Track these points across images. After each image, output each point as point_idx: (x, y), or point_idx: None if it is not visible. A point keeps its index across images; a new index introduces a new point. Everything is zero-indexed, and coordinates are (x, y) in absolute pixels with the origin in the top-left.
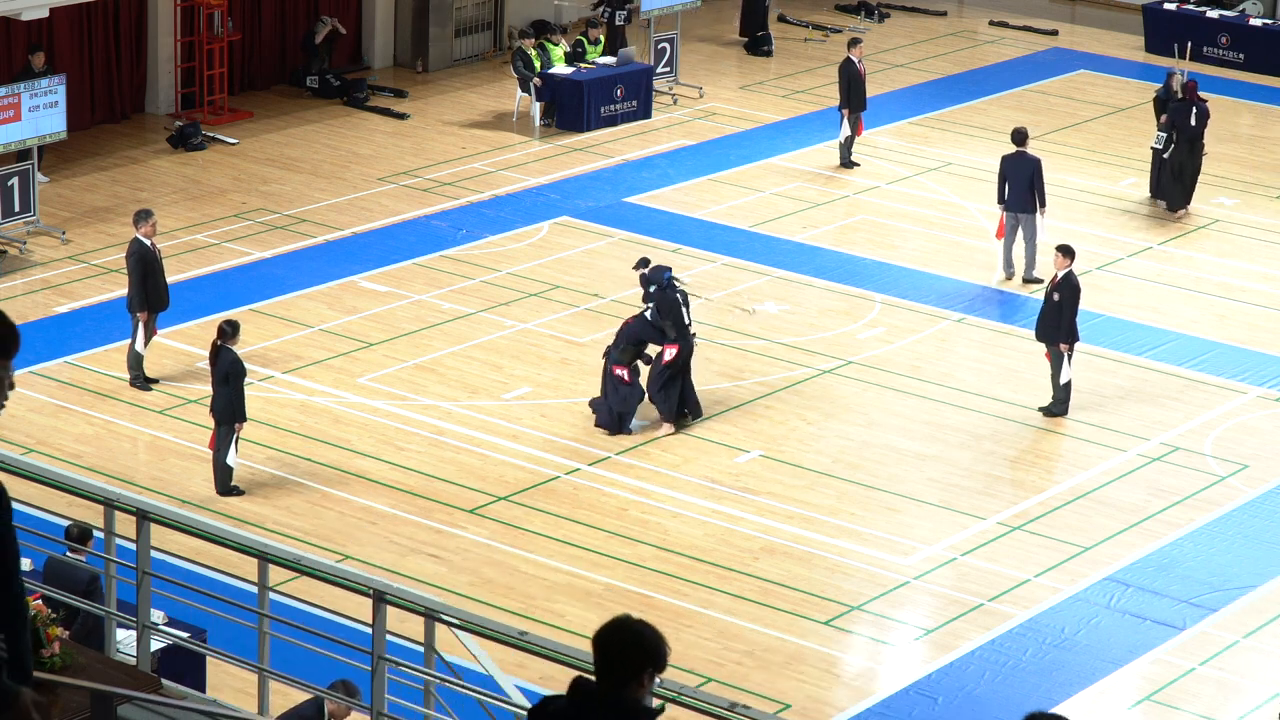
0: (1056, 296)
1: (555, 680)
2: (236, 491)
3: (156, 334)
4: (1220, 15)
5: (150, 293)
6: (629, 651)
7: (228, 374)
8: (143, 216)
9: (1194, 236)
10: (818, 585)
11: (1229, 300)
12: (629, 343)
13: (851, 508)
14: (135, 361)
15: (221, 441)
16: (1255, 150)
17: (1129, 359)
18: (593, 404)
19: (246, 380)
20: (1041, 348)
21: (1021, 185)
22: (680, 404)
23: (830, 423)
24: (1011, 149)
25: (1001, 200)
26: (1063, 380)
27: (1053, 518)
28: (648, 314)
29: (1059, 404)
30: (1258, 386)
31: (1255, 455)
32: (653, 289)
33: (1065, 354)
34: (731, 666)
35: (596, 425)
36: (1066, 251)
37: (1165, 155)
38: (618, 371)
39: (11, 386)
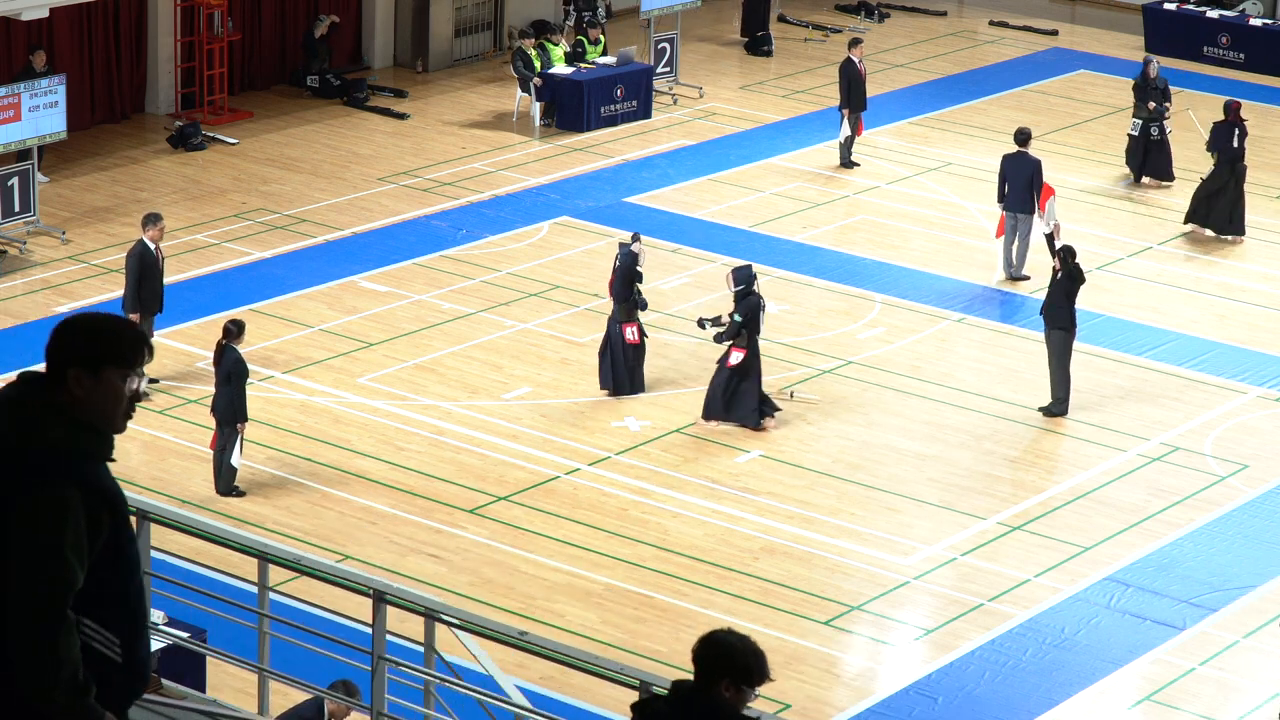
0: (1059, 268)
1: (555, 680)
2: (237, 492)
3: (153, 336)
4: (1220, 15)
5: (145, 295)
6: (709, 661)
7: (230, 373)
8: (151, 220)
9: (1194, 236)
10: (818, 585)
11: (1229, 300)
12: (623, 286)
13: (851, 508)
14: None
15: (225, 442)
16: (1255, 150)
17: (1129, 359)
18: (602, 383)
19: (248, 380)
20: (1041, 346)
21: (1020, 185)
22: (760, 404)
23: (830, 423)
24: (1014, 149)
25: (1001, 200)
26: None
27: (1053, 518)
28: (617, 259)
29: (1059, 404)
30: (1258, 386)
31: (1255, 455)
32: (739, 289)
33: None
34: None
35: (602, 388)
36: (1067, 252)
37: (1203, 178)
38: (626, 331)
39: (142, 397)
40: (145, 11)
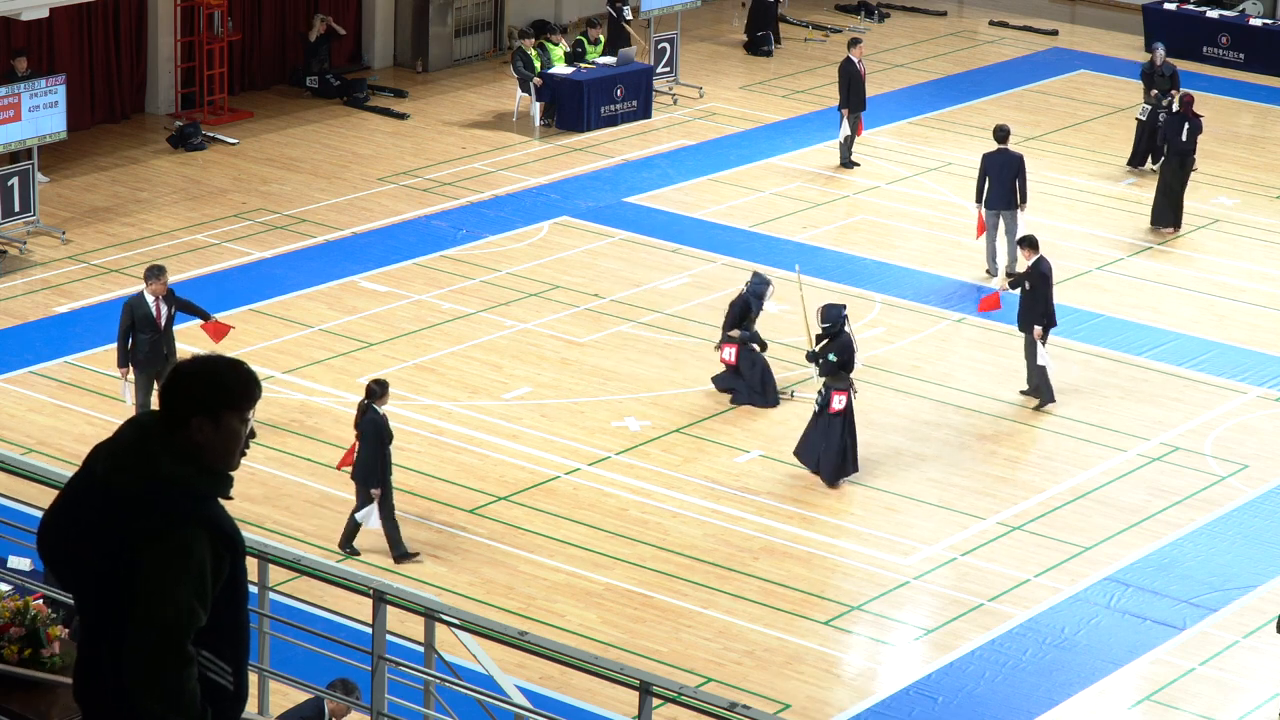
0: (1028, 285)
1: (555, 680)
2: (351, 551)
3: (154, 392)
4: (1220, 15)
5: (140, 349)
6: None
7: (366, 434)
8: (153, 274)
9: (1194, 236)
10: (818, 585)
11: (1229, 300)
12: (733, 314)
13: (851, 508)
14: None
15: (360, 502)
16: (1255, 150)
17: (1129, 359)
18: (715, 380)
19: (389, 444)
20: (1019, 341)
21: (1004, 182)
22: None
23: None
24: (993, 146)
25: (980, 198)
26: (1039, 361)
27: (1053, 518)
28: (745, 286)
29: (1035, 391)
30: (1258, 386)
31: (1255, 455)
32: (826, 326)
33: (1039, 339)
34: (731, 666)
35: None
36: (1029, 243)
37: (1155, 168)
38: (723, 353)
39: (253, 435)
40: (145, 11)
